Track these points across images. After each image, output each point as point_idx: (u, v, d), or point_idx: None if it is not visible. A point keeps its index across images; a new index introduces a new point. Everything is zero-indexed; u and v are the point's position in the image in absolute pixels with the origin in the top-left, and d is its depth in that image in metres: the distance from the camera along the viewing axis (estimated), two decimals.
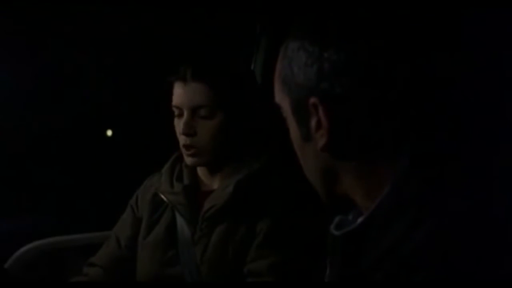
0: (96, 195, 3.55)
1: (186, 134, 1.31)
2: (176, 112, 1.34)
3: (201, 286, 1.34)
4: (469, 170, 0.62)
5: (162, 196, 1.40)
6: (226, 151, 1.35)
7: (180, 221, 1.38)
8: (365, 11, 0.65)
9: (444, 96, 0.64)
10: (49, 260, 1.75)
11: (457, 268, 0.55)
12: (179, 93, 1.32)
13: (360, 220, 0.65)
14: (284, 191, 1.34)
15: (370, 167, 0.65)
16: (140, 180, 1.53)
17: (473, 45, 0.65)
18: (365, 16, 0.65)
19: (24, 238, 1.77)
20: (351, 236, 0.65)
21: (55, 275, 1.71)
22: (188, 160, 1.35)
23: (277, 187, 1.35)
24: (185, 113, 1.31)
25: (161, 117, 1.49)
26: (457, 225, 0.58)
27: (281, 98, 0.71)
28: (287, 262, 1.28)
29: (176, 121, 1.35)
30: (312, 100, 0.65)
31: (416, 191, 0.60)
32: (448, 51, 0.64)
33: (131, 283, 1.43)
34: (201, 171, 1.42)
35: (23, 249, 1.72)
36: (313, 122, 0.66)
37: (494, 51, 0.65)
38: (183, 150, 1.34)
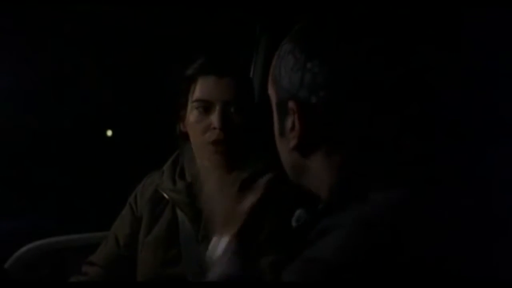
0: (96, 195, 3.55)
1: (222, 127, 1.27)
2: (202, 106, 1.30)
3: (201, 286, 1.34)
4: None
5: (164, 194, 1.40)
6: (244, 149, 1.34)
7: (181, 219, 1.37)
8: (358, 34, 0.67)
9: (420, 113, 0.67)
10: (49, 260, 1.75)
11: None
12: (212, 87, 1.28)
13: (313, 211, 0.70)
14: (287, 190, 1.34)
15: (334, 168, 0.70)
16: (140, 180, 1.53)
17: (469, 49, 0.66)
18: (355, 40, 0.67)
19: (24, 238, 1.77)
20: (306, 227, 0.70)
21: (55, 275, 1.71)
22: (214, 158, 1.30)
23: (280, 185, 1.35)
24: (219, 107, 1.27)
25: (161, 117, 1.49)
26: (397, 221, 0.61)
27: (270, 91, 0.77)
28: (289, 260, 1.28)
29: (199, 116, 1.30)
30: (291, 103, 0.70)
31: (357, 189, 0.66)
32: (439, 69, 0.67)
33: (131, 283, 1.43)
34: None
35: (23, 249, 1.72)
36: (289, 123, 0.72)
37: (483, 52, 0.66)
38: (210, 148, 1.29)
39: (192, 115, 1.30)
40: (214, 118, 1.26)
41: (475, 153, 0.66)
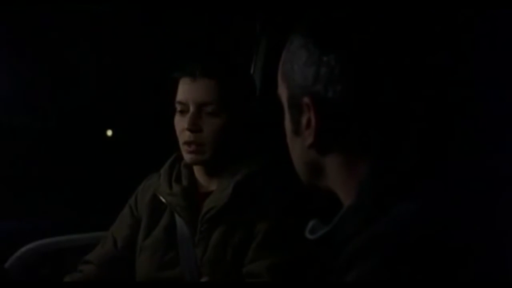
0: (96, 195, 3.55)
1: (191, 129, 1.30)
2: (180, 108, 1.34)
3: (201, 286, 1.34)
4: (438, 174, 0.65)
5: (161, 198, 1.40)
6: (227, 151, 1.35)
7: (179, 222, 1.38)
8: (371, 28, 0.66)
9: (434, 109, 0.65)
10: (49, 260, 1.75)
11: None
12: (186, 89, 1.32)
13: (331, 224, 0.67)
14: (282, 192, 1.34)
15: (352, 167, 0.68)
16: (140, 180, 1.53)
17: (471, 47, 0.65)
18: (370, 32, 0.66)
19: (24, 238, 1.77)
20: (324, 239, 0.67)
21: (55, 275, 1.71)
22: (188, 157, 1.34)
23: (275, 188, 1.35)
24: (191, 109, 1.31)
25: (161, 117, 1.49)
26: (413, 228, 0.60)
27: (280, 89, 0.75)
28: (286, 263, 1.28)
29: (178, 117, 1.35)
30: (306, 99, 0.68)
31: (379, 197, 0.64)
32: (443, 66, 0.66)
33: (131, 283, 1.43)
34: (198, 172, 1.42)
35: (23, 249, 1.72)
36: (304, 120, 0.69)
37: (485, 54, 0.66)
38: (184, 147, 1.34)
39: (175, 116, 1.34)
40: (186, 119, 1.30)
41: (486, 151, 0.65)
